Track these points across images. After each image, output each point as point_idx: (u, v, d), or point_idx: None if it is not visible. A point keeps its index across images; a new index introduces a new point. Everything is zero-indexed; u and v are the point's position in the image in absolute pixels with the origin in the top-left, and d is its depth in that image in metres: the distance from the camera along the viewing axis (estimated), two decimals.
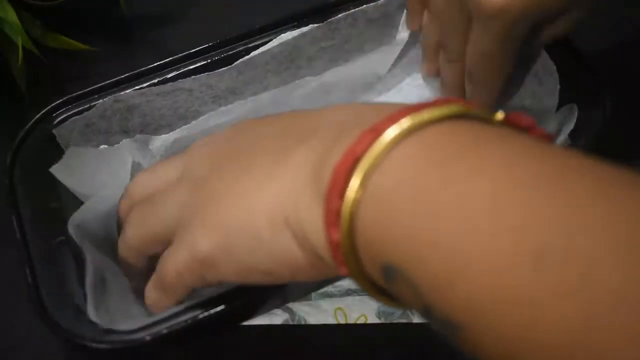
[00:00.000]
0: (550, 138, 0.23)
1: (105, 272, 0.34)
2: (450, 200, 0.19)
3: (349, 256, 0.22)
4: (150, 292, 0.32)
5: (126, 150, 0.37)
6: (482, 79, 0.37)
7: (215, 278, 0.29)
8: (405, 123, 0.21)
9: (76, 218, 0.34)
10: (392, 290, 0.22)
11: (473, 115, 0.22)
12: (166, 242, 0.30)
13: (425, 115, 0.21)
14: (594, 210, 0.17)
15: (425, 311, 0.20)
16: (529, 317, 0.17)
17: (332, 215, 0.22)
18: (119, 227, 0.36)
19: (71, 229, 0.33)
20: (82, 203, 0.37)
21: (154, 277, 0.32)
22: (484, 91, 0.38)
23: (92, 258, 0.33)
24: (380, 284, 0.23)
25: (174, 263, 0.29)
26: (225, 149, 0.30)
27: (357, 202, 0.21)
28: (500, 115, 0.23)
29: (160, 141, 0.39)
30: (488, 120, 0.22)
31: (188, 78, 0.38)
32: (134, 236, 0.33)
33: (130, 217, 0.33)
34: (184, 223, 0.29)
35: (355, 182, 0.21)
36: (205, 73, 0.38)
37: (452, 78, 0.40)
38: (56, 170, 0.35)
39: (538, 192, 0.18)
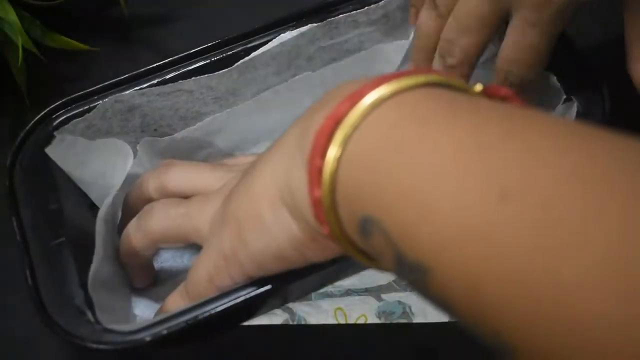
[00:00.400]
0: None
1: (106, 269, 0.34)
2: (421, 153, 0.21)
3: (330, 213, 0.24)
4: (175, 299, 0.33)
5: (123, 142, 0.37)
6: (520, 75, 0.35)
7: (241, 274, 0.30)
8: (383, 89, 0.22)
9: (105, 212, 0.34)
10: (368, 245, 0.23)
11: (451, 85, 0.23)
12: (183, 242, 0.33)
13: (404, 82, 0.22)
14: (554, 157, 0.18)
15: (397, 260, 0.21)
16: (492, 249, 0.18)
17: (314, 173, 0.23)
18: (129, 211, 0.36)
19: (101, 225, 0.34)
20: (81, 200, 0.37)
21: (182, 287, 0.33)
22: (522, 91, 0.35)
23: (100, 257, 0.33)
24: (358, 242, 0.24)
25: (205, 267, 0.31)
26: (244, 173, 0.31)
27: (337, 160, 0.23)
28: (479, 87, 0.24)
29: (164, 142, 0.39)
30: (466, 91, 0.23)
31: (189, 79, 0.38)
32: (159, 225, 0.33)
33: (161, 206, 0.34)
34: (214, 231, 0.31)
35: (335, 142, 0.23)
36: (206, 75, 0.38)
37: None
38: (51, 150, 0.35)
39: (504, 143, 0.19)
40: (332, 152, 0.23)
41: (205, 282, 0.31)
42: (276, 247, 0.28)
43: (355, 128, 0.22)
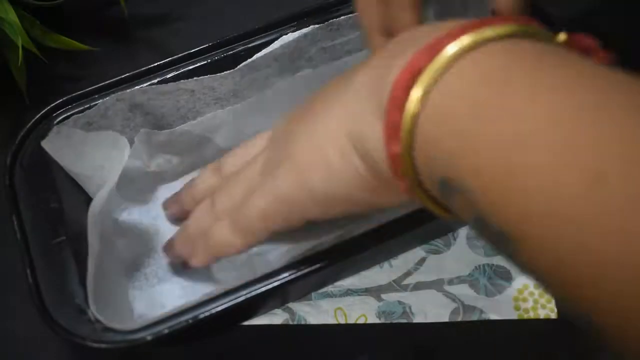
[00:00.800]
0: (613, 61, 0.22)
1: (105, 266, 0.34)
2: (509, 116, 0.20)
3: (408, 169, 0.23)
4: (223, 231, 0.33)
5: (120, 134, 0.37)
6: None
7: (300, 216, 0.30)
8: (465, 40, 0.21)
9: (96, 206, 0.34)
10: (447, 202, 0.22)
11: (534, 34, 0.22)
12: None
13: (487, 32, 0.21)
14: None
15: (479, 223, 0.21)
16: (582, 229, 0.17)
17: (391, 128, 0.23)
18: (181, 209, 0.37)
19: (92, 218, 0.34)
20: (81, 199, 0.37)
21: (230, 221, 0.32)
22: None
23: (96, 251, 0.33)
24: (436, 196, 0.23)
25: (256, 207, 0.31)
26: (297, 115, 0.31)
27: (416, 115, 0.22)
28: (562, 36, 0.22)
29: (163, 136, 0.39)
30: (549, 40, 0.22)
31: (191, 79, 0.38)
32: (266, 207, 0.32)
33: (224, 188, 0.34)
34: (265, 170, 0.31)
35: (415, 96, 0.22)
36: (208, 75, 0.38)
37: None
38: (46, 143, 0.35)
39: (601, 114, 0.18)
40: (411, 107, 0.22)
41: (257, 222, 0.31)
42: (346, 192, 0.28)
43: (435, 83, 0.21)
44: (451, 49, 0.21)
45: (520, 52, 0.21)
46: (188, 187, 0.38)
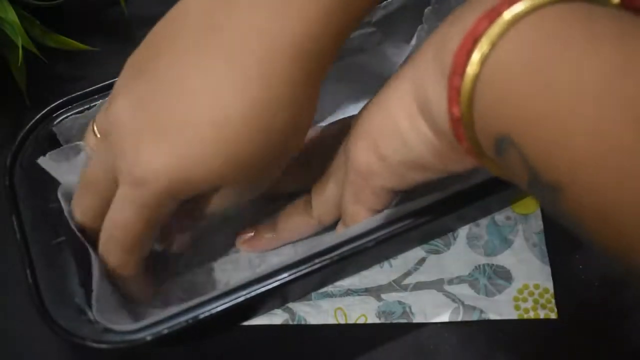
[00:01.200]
0: None
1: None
2: (563, 75, 0.21)
3: (468, 131, 0.24)
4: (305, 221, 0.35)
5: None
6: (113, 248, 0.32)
7: (379, 186, 0.31)
8: (521, 5, 0.22)
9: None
10: (502, 161, 0.24)
11: None
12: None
13: None
14: None
15: (532, 179, 0.22)
16: (626, 176, 0.19)
17: (453, 92, 0.24)
18: None
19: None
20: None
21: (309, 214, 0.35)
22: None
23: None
24: (492, 156, 0.24)
25: (346, 190, 0.32)
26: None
27: (475, 78, 0.23)
28: None
29: None
30: (604, 3, 0.23)
31: None
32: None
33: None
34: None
35: (474, 60, 0.23)
36: None
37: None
38: (44, 162, 0.35)
39: None
40: (471, 70, 0.23)
41: (352, 205, 0.32)
42: (417, 157, 0.29)
43: (493, 46, 0.22)
44: (508, 14, 0.22)
45: (574, 14, 0.22)
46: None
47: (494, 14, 0.23)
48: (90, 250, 0.32)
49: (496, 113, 0.23)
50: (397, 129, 0.29)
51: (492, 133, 0.23)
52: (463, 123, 0.24)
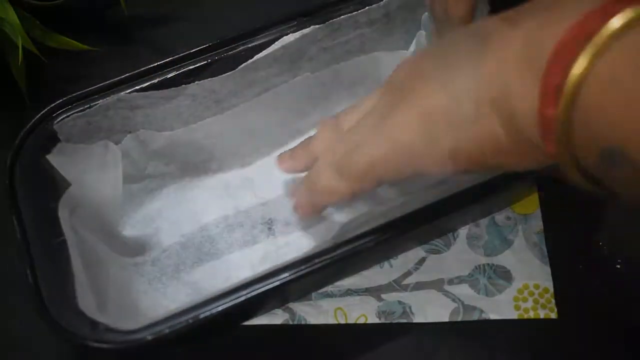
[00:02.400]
0: None
1: (102, 264, 0.34)
2: None
3: (562, 133, 0.22)
4: (328, 175, 0.32)
5: (116, 147, 0.37)
6: None
7: (413, 170, 0.29)
8: (630, 13, 0.21)
9: (66, 203, 0.34)
10: (606, 172, 0.22)
11: None
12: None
13: None
14: None
15: None
16: None
17: (549, 89, 0.22)
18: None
19: (62, 213, 0.34)
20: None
21: (338, 166, 0.32)
22: None
23: (80, 249, 0.33)
24: (589, 166, 0.23)
25: (366, 154, 0.30)
26: (418, 67, 0.30)
27: (582, 79, 0.21)
28: None
29: (163, 139, 0.39)
30: None
31: (192, 84, 0.38)
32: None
33: (343, 140, 0.33)
34: (380, 119, 0.30)
35: (583, 59, 0.21)
36: (209, 79, 0.38)
37: None
38: (52, 157, 0.35)
39: None
40: (578, 69, 0.21)
41: (365, 166, 0.30)
42: (470, 149, 0.27)
43: (607, 47, 0.21)
44: (624, 15, 0.21)
45: None
46: (305, 143, 0.36)
47: (605, 14, 0.21)
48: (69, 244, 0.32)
49: (604, 120, 0.21)
50: (460, 113, 0.27)
51: (598, 141, 0.21)
52: (557, 124, 0.22)
